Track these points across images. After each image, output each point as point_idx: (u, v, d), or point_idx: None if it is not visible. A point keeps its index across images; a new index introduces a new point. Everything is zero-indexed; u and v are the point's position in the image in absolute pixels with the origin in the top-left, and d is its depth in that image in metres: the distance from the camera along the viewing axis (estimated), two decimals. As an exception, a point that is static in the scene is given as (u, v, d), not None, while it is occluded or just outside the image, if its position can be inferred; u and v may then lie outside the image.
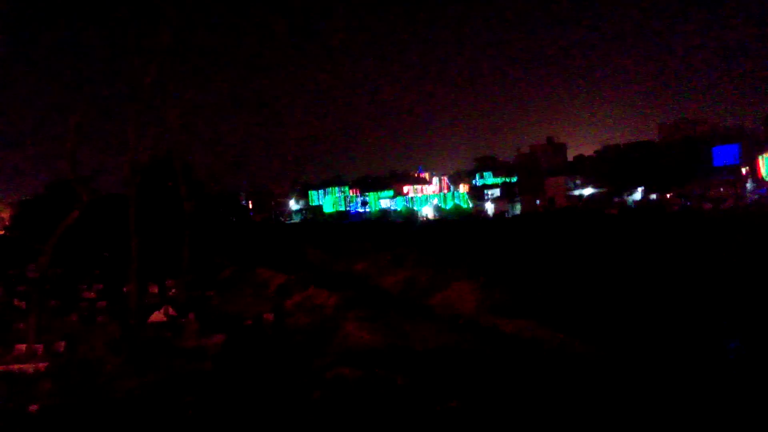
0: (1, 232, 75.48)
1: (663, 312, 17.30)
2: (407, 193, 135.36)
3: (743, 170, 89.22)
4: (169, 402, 12.57)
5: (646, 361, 13.36)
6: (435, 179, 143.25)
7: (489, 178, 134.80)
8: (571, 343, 14.85)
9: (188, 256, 25.75)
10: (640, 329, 15.96)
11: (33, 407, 12.54)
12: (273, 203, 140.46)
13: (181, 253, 25.96)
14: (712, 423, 10.33)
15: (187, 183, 26.94)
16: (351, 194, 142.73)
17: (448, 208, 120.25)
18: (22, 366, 15.31)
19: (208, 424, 11.56)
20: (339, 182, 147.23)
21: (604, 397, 11.38)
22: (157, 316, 20.51)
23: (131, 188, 19.67)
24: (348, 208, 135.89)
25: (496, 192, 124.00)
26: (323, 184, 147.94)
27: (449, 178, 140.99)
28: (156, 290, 26.97)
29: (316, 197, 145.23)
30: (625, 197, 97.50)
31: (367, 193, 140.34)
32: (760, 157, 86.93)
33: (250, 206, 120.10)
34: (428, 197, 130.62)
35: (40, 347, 16.57)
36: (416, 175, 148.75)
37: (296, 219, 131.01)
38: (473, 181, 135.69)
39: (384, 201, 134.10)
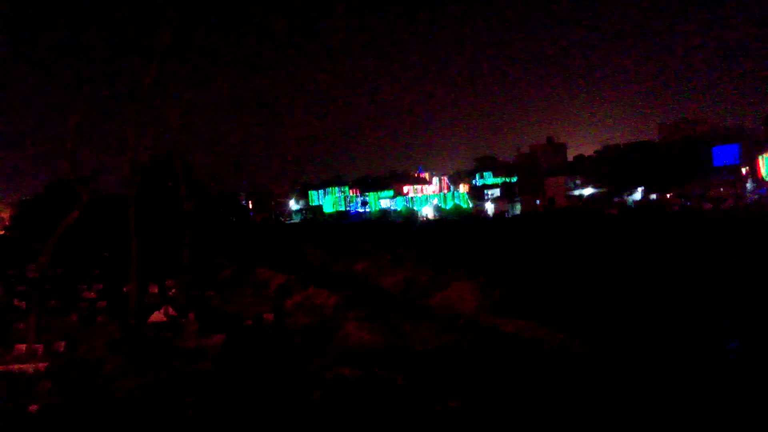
0: (1, 232, 75.49)
1: (663, 312, 17.30)
2: (407, 193, 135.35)
3: (743, 170, 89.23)
4: (169, 402, 12.58)
5: (646, 361, 13.37)
6: (435, 179, 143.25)
7: (489, 178, 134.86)
8: (572, 343, 14.85)
9: (188, 256, 25.76)
10: (640, 329, 15.96)
11: (33, 407, 12.55)
12: (273, 203, 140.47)
13: (181, 253, 25.96)
14: (711, 423, 10.34)
15: (187, 183, 26.94)
16: (351, 194, 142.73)
17: (448, 208, 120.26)
18: (22, 366, 15.31)
19: (208, 425, 11.56)
20: (339, 182, 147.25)
21: (604, 398, 11.38)
22: (157, 316, 20.50)
23: (131, 188, 19.69)
24: (348, 208, 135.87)
25: (496, 192, 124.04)
26: (323, 184, 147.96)
27: (449, 178, 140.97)
28: (156, 290, 26.97)
29: (316, 197, 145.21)
30: (625, 197, 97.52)
31: (367, 193, 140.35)
32: (760, 157, 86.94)
33: (250, 206, 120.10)
34: (428, 197, 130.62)
35: (40, 347, 16.58)
36: (416, 175, 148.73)
37: (296, 219, 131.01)
38: (473, 181, 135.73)
39: (384, 201, 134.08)
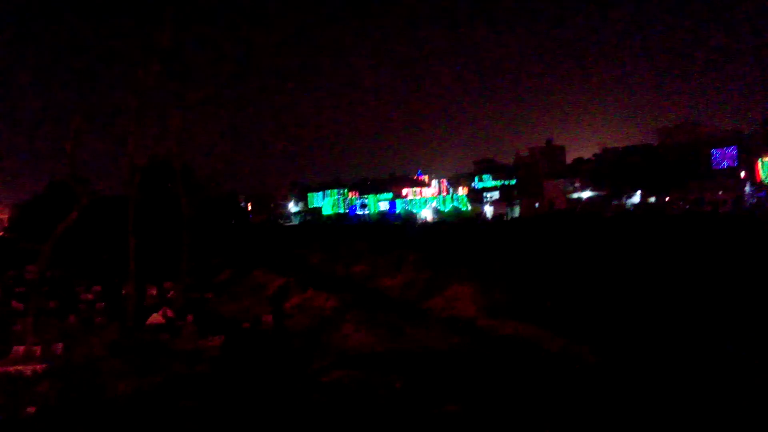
0: (0, 234, 75.41)
1: (663, 315, 17.30)
2: (406, 195, 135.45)
3: (742, 173, 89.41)
4: (168, 404, 12.55)
5: (647, 364, 13.36)
6: (434, 182, 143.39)
7: (488, 181, 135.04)
8: (572, 346, 14.84)
9: (187, 257, 25.73)
10: (640, 332, 15.96)
11: (31, 409, 12.51)
12: (272, 205, 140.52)
13: (179, 254, 25.94)
14: (711, 424, 10.34)
15: (187, 185, 26.93)
16: (350, 197, 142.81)
17: (447, 210, 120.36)
18: (19, 367, 15.26)
19: (207, 427, 11.53)
20: (338, 184, 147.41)
21: (605, 402, 11.37)
22: (155, 317, 20.48)
23: (130, 189, 19.68)
24: (347, 211, 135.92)
25: (495, 195, 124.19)
26: (322, 187, 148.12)
27: (448, 181, 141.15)
28: (154, 292, 26.94)
29: (314, 199, 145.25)
30: (624, 200, 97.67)
31: (366, 196, 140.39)
32: (758, 161, 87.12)
33: (249, 208, 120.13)
34: (427, 200, 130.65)
35: (37, 349, 16.53)
36: (415, 177, 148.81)
37: (295, 221, 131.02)
38: (472, 184, 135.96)
39: (383, 203, 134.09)
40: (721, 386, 11.74)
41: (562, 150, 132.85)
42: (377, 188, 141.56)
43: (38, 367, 15.29)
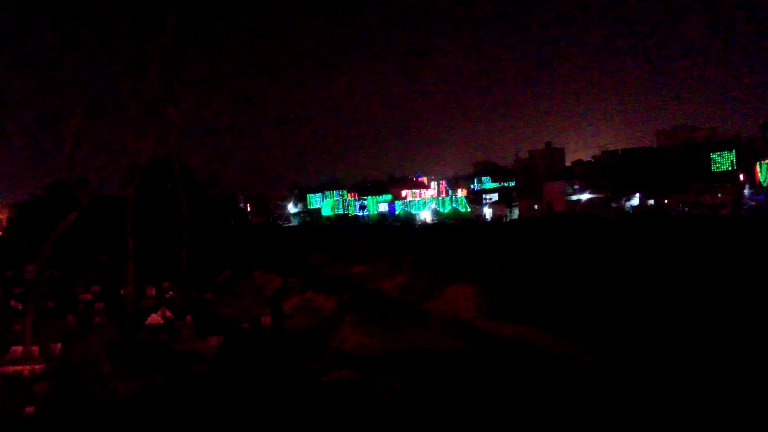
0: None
1: (663, 316, 17.31)
2: (406, 197, 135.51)
3: (740, 176, 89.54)
4: (167, 404, 12.54)
5: (644, 366, 13.37)
6: (433, 183, 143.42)
7: (487, 183, 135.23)
8: (570, 347, 14.85)
9: (186, 258, 25.72)
10: (638, 333, 15.97)
11: (29, 409, 12.49)
12: (271, 206, 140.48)
13: (178, 255, 25.94)
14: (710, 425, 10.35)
15: (186, 185, 26.94)
16: (349, 198, 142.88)
17: (446, 212, 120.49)
18: (18, 367, 15.25)
19: (206, 428, 11.53)
20: (337, 186, 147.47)
21: (602, 403, 11.38)
22: (154, 318, 20.46)
23: (130, 190, 19.69)
24: (346, 212, 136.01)
25: (495, 196, 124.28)
26: (321, 188, 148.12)
27: (447, 183, 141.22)
28: (153, 292, 26.92)
29: (314, 201, 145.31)
30: (623, 202, 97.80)
31: (365, 197, 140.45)
32: (757, 164, 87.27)
33: (248, 209, 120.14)
34: (426, 201, 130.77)
35: (36, 349, 16.52)
36: (414, 179, 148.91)
37: (294, 222, 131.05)
38: (471, 186, 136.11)
39: (382, 205, 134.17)
40: (719, 387, 11.76)
41: (561, 152, 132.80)
42: (376, 190, 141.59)
43: (36, 367, 15.28)
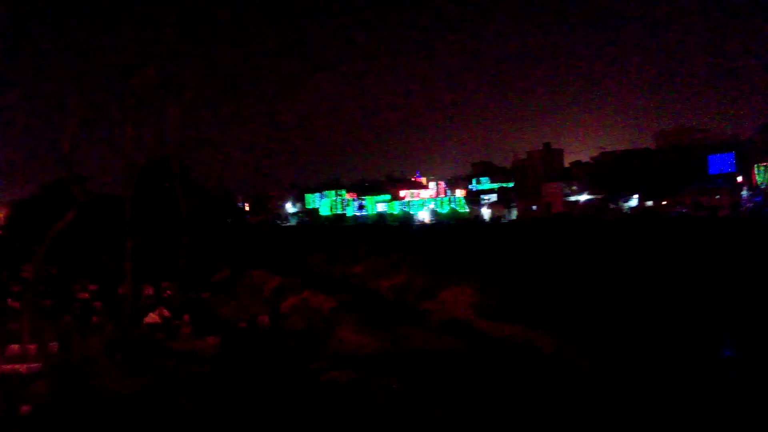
0: (-2, 232, 75.11)
1: (659, 316, 17.34)
2: (404, 197, 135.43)
3: (738, 178, 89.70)
4: (164, 404, 12.52)
5: (641, 367, 13.39)
6: (432, 184, 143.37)
7: (486, 183, 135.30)
8: (566, 348, 14.86)
9: (184, 257, 25.68)
10: (634, 333, 16.00)
11: (25, 408, 12.45)
12: (269, 206, 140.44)
13: (176, 254, 25.88)
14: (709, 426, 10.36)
15: (184, 185, 26.89)
16: (348, 198, 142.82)
17: (444, 212, 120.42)
18: (15, 366, 15.21)
19: (204, 427, 11.52)
20: (336, 186, 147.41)
21: (598, 404, 11.39)
22: (151, 317, 20.40)
23: (128, 189, 19.63)
24: (344, 212, 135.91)
25: (493, 197, 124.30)
26: (320, 188, 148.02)
27: (446, 183, 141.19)
28: (151, 291, 26.85)
29: (312, 200, 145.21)
30: (621, 204, 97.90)
31: (364, 197, 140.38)
32: (755, 166, 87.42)
33: (247, 208, 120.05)
34: (425, 201, 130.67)
35: (33, 348, 16.47)
36: (413, 179, 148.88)
37: (292, 222, 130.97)
38: (470, 186, 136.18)
39: (381, 205, 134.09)
40: (715, 388, 11.78)
41: (559, 153, 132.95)
42: (375, 189, 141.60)
43: (33, 366, 15.24)
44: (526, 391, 12.09)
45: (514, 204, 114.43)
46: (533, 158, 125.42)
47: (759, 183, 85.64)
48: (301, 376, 13.98)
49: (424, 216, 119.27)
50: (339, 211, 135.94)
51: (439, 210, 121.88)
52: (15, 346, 16.58)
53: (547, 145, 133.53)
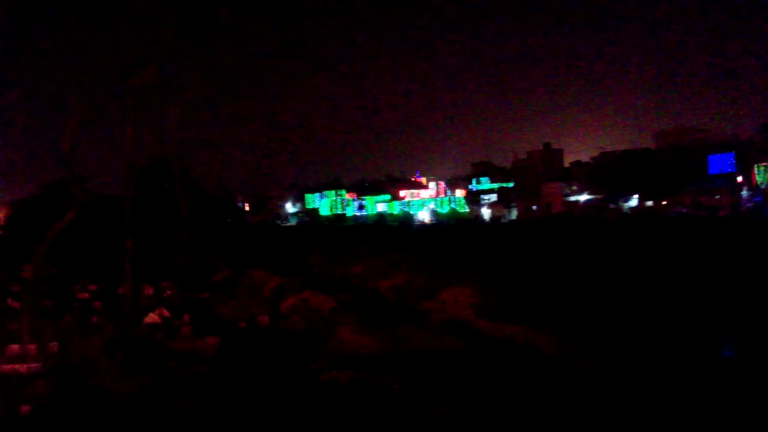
0: (-2, 232, 75.07)
1: (658, 316, 17.34)
2: (404, 197, 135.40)
3: (738, 178, 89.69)
4: (164, 404, 12.52)
5: (641, 367, 13.38)
6: (432, 183, 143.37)
7: (485, 183, 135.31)
8: (566, 348, 14.86)
9: (184, 257, 25.67)
10: (634, 333, 16.00)
11: (25, 408, 12.45)
12: (269, 206, 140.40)
13: (176, 254, 25.87)
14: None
15: (184, 185, 26.89)
16: (348, 198, 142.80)
17: (444, 212, 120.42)
18: (15, 366, 15.20)
19: (204, 427, 11.51)
20: (336, 186, 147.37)
21: (598, 404, 11.38)
22: (151, 317, 20.40)
23: (128, 189, 19.63)
24: (344, 212, 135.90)
25: (493, 197, 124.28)
26: (320, 188, 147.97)
27: (446, 183, 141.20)
28: (151, 292, 26.84)
29: (312, 200, 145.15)
30: (621, 204, 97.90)
31: (364, 197, 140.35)
32: (755, 166, 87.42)
33: (247, 208, 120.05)
34: (425, 201, 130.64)
35: (33, 348, 16.47)
36: (413, 179, 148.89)
37: (292, 222, 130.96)
38: (470, 186, 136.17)
39: (381, 205, 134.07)
40: (715, 388, 11.78)
41: (559, 153, 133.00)
42: (375, 189, 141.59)
43: (33, 365, 15.23)
44: (526, 391, 12.09)
45: (514, 204, 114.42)
46: (533, 158, 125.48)
47: (759, 183, 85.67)
48: (301, 376, 13.98)
49: (424, 216, 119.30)
50: (339, 211, 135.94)
51: (439, 210, 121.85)
52: (15, 346, 16.58)
53: (547, 145, 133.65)
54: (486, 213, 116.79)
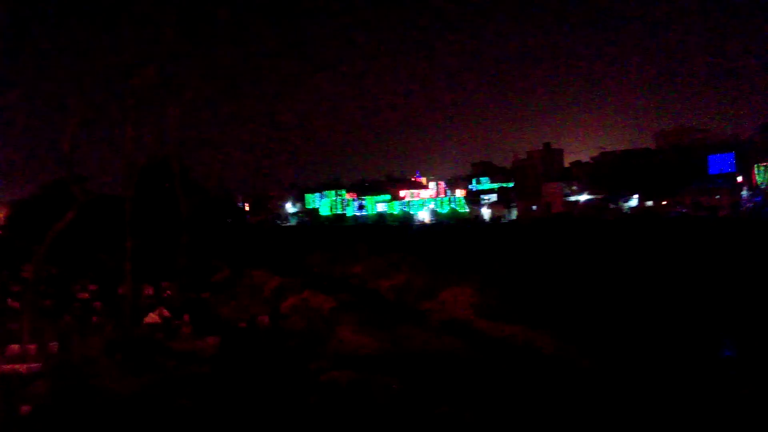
0: (-2, 232, 75.04)
1: (658, 316, 17.34)
2: (404, 197, 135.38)
3: (738, 178, 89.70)
4: (164, 404, 12.53)
5: (641, 367, 13.39)
6: (432, 184, 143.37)
7: (485, 183, 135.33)
8: (566, 348, 14.86)
9: (184, 257, 25.67)
10: (634, 333, 16.00)
11: (25, 408, 12.45)
12: (269, 206, 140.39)
13: (176, 254, 25.88)
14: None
15: (184, 185, 26.89)
16: (348, 198, 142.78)
17: (444, 212, 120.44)
18: (15, 366, 15.20)
19: (204, 427, 11.52)
20: (336, 186, 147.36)
21: (598, 403, 11.38)
22: (151, 317, 20.40)
23: (128, 189, 19.63)
24: (344, 212, 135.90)
25: (493, 197, 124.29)
26: (320, 188, 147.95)
27: (446, 183, 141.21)
28: (151, 292, 26.84)
29: (312, 200, 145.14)
30: (621, 204, 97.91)
31: (364, 197, 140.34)
32: (755, 166, 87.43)
33: (247, 208, 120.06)
34: (425, 201, 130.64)
35: (33, 348, 16.47)
36: (413, 179, 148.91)
37: (292, 222, 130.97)
38: (470, 186, 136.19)
39: (381, 205, 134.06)
40: (715, 388, 11.78)
41: (559, 153, 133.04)
42: (375, 189, 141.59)
43: (33, 365, 15.23)
44: (526, 391, 12.09)
45: (514, 204, 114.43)
46: (533, 158, 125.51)
47: (759, 183, 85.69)
48: (301, 376, 13.98)
49: (424, 216, 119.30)
50: (339, 211, 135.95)
51: (439, 210, 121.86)
52: (15, 346, 16.58)
53: (547, 145, 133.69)
54: (486, 213, 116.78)
